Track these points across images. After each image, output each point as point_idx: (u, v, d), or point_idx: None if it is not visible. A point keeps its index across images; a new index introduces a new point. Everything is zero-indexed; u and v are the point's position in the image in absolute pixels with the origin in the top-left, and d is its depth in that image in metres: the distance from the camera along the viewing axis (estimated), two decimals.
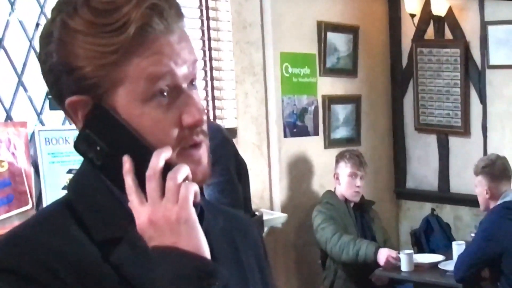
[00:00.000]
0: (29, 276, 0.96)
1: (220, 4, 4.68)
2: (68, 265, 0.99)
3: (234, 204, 3.22)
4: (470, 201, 5.07)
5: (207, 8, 4.61)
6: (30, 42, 3.70)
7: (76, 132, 1.07)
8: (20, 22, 3.70)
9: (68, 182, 1.14)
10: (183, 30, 1.07)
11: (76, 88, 1.04)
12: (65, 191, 1.13)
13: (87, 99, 1.05)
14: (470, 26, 5.43)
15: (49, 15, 1.08)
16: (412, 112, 5.85)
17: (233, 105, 4.75)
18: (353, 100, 5.59)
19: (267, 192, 4.92)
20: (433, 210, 5.57)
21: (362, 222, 4.86)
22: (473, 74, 5.46)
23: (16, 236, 1.04)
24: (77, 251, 1.01)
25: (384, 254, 4.40)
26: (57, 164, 3.61)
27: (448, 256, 4.51)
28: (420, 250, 5.17)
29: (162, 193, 1.00)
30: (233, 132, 4.57)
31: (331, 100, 5.36)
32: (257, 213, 4.25)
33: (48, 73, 1.07)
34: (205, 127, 1.09)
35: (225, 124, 4.64)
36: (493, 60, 5.33)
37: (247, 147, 4.72)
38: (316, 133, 5.26)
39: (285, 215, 4.72)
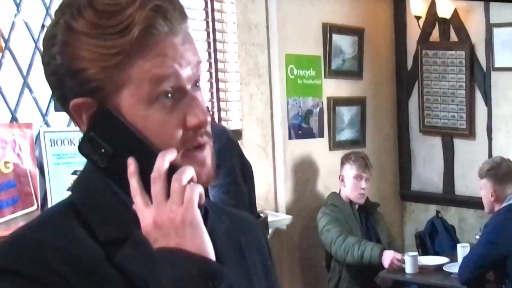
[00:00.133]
0: (33, 276, 0.96)
1: (225, 6, 4.68)
2: (72, 266, 0.99)
3: (239, 206, 3.22)
4: (475, 203, 5.06)
5: (212, 10, 4.61)
6: (36, 44, 3.71)
7: (81, 134, 1.08)
8: (26, 23, 3.70)
9: (72, 183, 1.13)
10: (187, 31, 1.07)
11: (80, 90, 1.04)
12: (70, 193, 1.13)
13: (91, 101, 1.05)
14: (475, 28, 5.43)
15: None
16: (417, 114, 5.84)
17: (238, 107, 4.75)
18: (358, 102, 5.59)
19: (272, 194, 4.92)
20: (438, 212, 5.56)
21: (367, 224, 4.85)
22: (478, 76, 5.46)
23: (20, 237, 1.04)
24: (81, 252, 1.01)
25: (388, 256, 4.39)
26: (62, 166, 3.61)
27: (453, 259, 4.50)
28: (424, 252, 5.17)
29: (167, 195, 1.00)
30: (238, 134, 4.57)
31: (336, 102, 5.36)
32: (262, 214, 4.25)
33: (52, 76, 1.07)
34: (209, 128, 1.09)
35: (230, 126, 4.64)
36: (498, 62, 5.32)
37: (252, 149, 4.72)
38: (321, 135, 5.26)
39: (290, 217, 4.72)
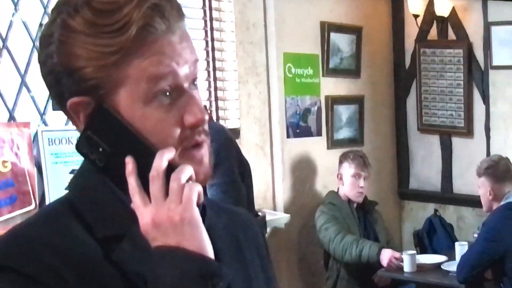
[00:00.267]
0: (30, 274, 0.96)
1: (223, 4, 4.68)
2: (70, 263, 0.99)
3: (237, 204, 3.21)
4: (473, 201, 5.06)
5: (210, 8, 4.61)
6: (34, 43, 3.70)
7: (79, 133, 1.07)
8: (24, 22, 3.70)
9: (70, 181, 1.13)
10: (184, 30, 1.07)
11: (77, 89, 1.04)
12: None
13: (88, 100, 1.05)
14: (473, 26, 5.43)
15: None
16: (415, 112, 5.84)
17: (236, 105, 4.75)
18: (356, 100, 5.59)
19: (270, 193, 4.92)
20: (436, 210, 5.56)
21: (365, 223, 4.85)
22: (476, 75, 5.46)
23: (17, 234, 1.04)
24: (78, 249, 1.01)
25: (387, 255, 4.39)
26: (60, 165, 3.61)
27: (451, 257, 4.50)
28: (423, 250, 5.17)
29: (166, 193, 1.00)
30: (236, 132, 4.56)
31: (334, 101, 5.36)
32: (260, 213, 4.25)
33: (49, 74, 1.07)
34: (206, 126, 1.09)
35: (228, 124, 4.64)
36: (496, 61, 5.32)
37: (250, 147, 4.72)
38: (319, 133, 5.25)
39: (288, 215, 4.72)
